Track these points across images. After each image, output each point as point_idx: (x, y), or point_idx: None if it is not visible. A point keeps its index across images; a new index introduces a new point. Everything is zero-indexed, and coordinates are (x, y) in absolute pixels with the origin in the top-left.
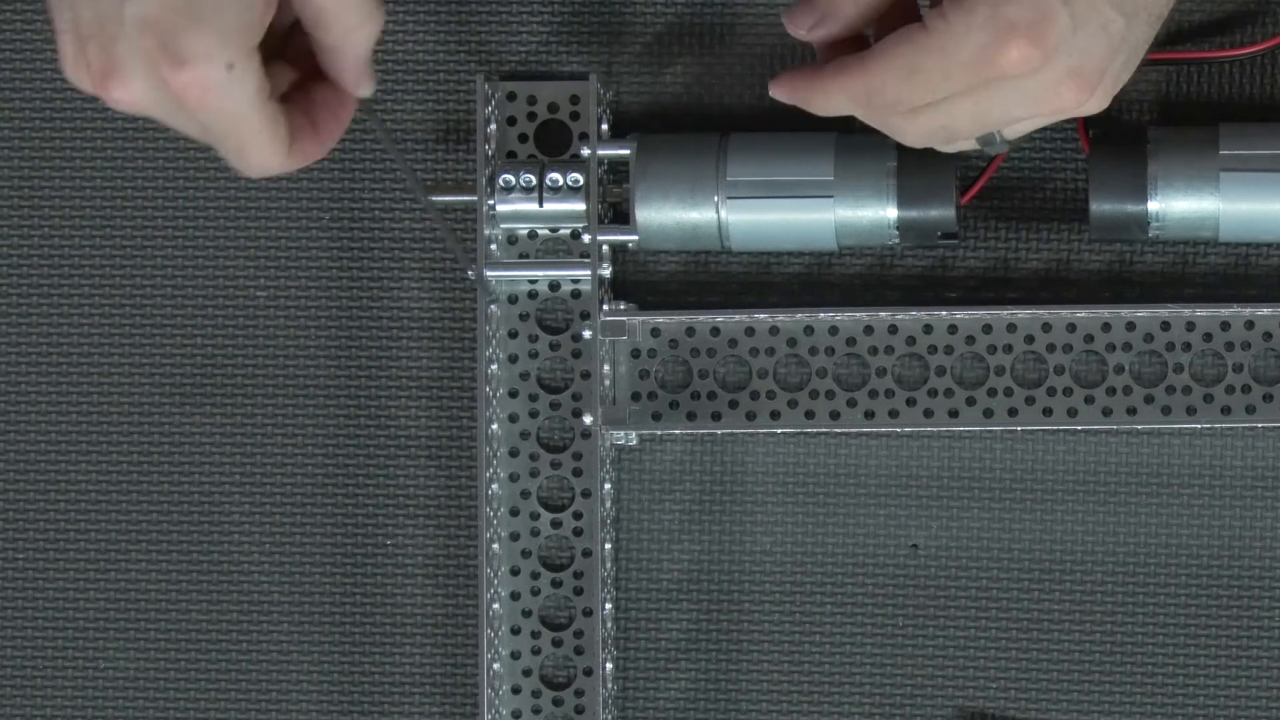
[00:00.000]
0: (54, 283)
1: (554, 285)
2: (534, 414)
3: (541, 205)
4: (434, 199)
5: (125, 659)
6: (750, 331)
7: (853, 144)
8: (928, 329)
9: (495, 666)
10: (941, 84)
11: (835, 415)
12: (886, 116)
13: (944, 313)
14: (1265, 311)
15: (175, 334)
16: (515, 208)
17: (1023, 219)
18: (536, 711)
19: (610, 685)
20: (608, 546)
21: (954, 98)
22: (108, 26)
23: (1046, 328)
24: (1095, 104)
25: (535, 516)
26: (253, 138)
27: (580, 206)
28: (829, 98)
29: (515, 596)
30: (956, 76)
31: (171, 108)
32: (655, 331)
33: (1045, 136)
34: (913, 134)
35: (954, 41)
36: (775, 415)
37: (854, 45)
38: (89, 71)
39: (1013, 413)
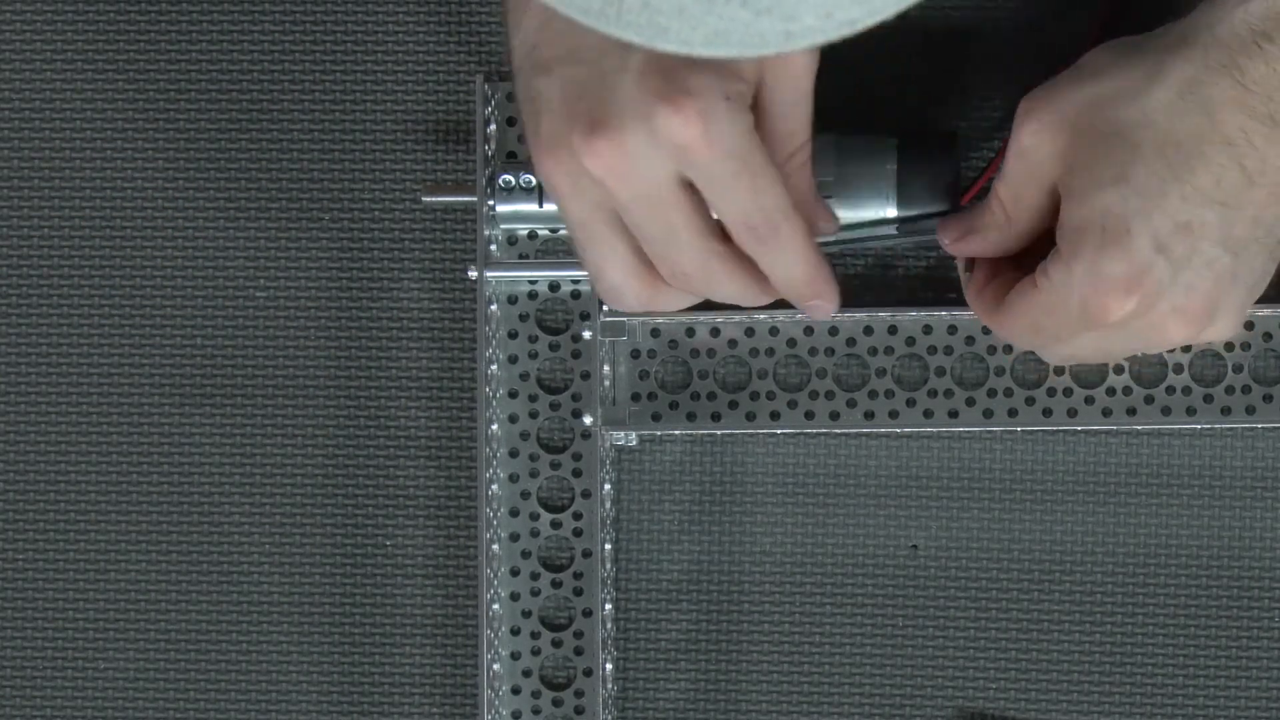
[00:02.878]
0: (54, 283)
1: (554, 286)
2: (534, 414)
3: (541, 205)
4: (434, 199)
5: (125, 659)
6: (750, 332)
7: (853, 144)
8: (928, 329)
9: (495, 667)
10: (1061, 332)
11: (835, 416)
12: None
13: (944, 313)
14: (1265, 312)
15: (175, 334)
16: (515, 208)
17: None
18: (536, 712)
19: (610, 685)
20: (608, 547)
21: (1077, 338)
22: (608, 78)
23: None
24: (1218, 332)
25: (535, 517)
26: (750, 174)
27: None
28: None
29: (515, 597)
30: (1071, 326)
31: (656, 159)
32: (655, 332)
33: None
34: (1053, 360)
35: (1059, 298)
36: (775, 416)
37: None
38: (572, 132)
39: (1013, 413)
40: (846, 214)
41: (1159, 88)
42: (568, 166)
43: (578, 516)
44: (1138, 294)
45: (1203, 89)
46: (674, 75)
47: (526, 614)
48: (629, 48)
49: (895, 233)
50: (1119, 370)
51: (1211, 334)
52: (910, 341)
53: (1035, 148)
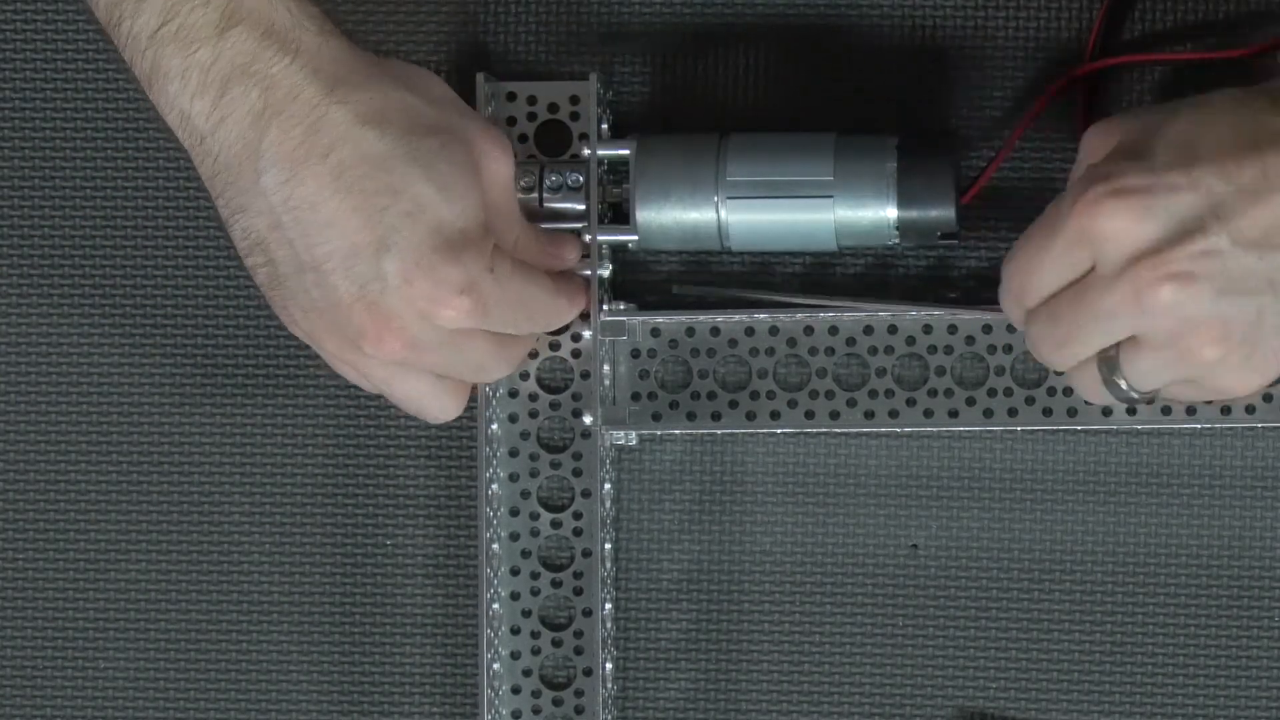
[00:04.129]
0: (54, 283)
1: None
2: (534, 414)
3: (541, 205)
4: None
5: (125, 659)
6: (750, 331)
7: (853, 144)
8: (928, 329)
9: (495, 666)
10: (1048, 246)
11: (835, 415)
12: (1027, 325)
13: (944, 313)
14: None
15: (175, 334)
16: None
17: (1023, 219)
18: (536, 711)
19: (610, 685)
20: (608, 546)
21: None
22: (370, 287)
23: None
24: (1189, 345)
25: (535, 516)
26: (523, 305)
27: (580, 206)
28: (1003, 299)
29: (515, 596)
30: (1059, 240)
31: (439, 340)
32: (655, 331)
33: (1045, 136)
34: (1034, 338)
35: (1057, 204)
36: (775, 415)
37: None
38: (357, 338)
39: (1013, 413)
40: (846, 214)
41: (1221, 94)
42: (354, 361)
43: (578, 516)
44: (1133, 201)
45: (1264, 114)
46: (435, 273)
47: (526, 613)
48: (379, 254)
49: (896, 234)
50: None
51: (1153, 367)
52: (910, 341)
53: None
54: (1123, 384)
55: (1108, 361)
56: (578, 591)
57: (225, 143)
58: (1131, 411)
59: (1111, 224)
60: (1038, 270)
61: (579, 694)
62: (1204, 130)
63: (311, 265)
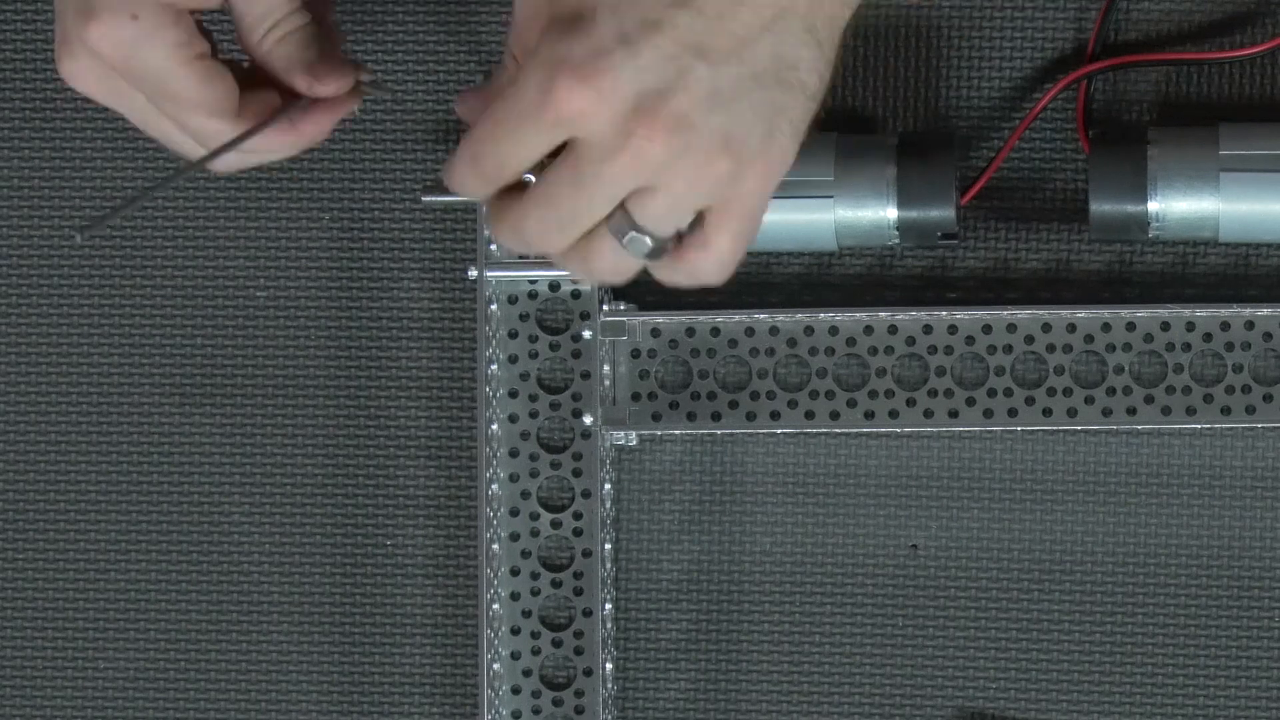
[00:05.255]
0: (54, 283)
1: (554, 285)
2: (534, 414)
3: None
4: (434, 199)
5: (125, 659)
6: (750, 331)
7: (853, 144)
8: (928, 329)
9: (495, 667)
10: (519, 131)
11: (835, 415)
12: (501, 209)
13: (944, 313)
14: (1265, 311)
15: (175, 334)
16: None
17: (1023, 219)
18: (536, 712)
19: (610, 685)
20: (608, 546)
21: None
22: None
23: (1046, 328)
24: (698, 167)
25: (535, 517)
26: (180, 93)
27: None
28: (465, 180)
29: (515, 597)
30: (528, 126)
31: (109, 80)
32: (655, 331)
33: (1045, 136)
34: (504, 237)
35: (519, 85)
36: (775, 415)
37: None
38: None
39: (1013, 413)
40: (846, 214)
41: None
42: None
43: (578, 516)
44: (593, 81)
45: None
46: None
47: (526, 614)
48: None
49: (896, 234)
50: (1119, 370)
51: (693, 168)
52: (910, 341)
53: None
54: (645, 238)
55: (619, 222)
56: (578, 591)
57: None
58: (1131, 412)
59: (582, 104)
60: (513, 154)
61: (579, 694)
62: None
63: None
